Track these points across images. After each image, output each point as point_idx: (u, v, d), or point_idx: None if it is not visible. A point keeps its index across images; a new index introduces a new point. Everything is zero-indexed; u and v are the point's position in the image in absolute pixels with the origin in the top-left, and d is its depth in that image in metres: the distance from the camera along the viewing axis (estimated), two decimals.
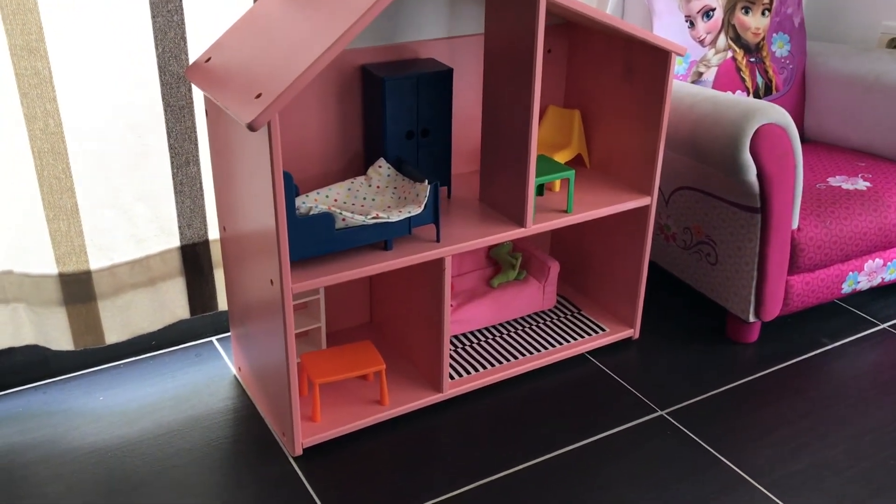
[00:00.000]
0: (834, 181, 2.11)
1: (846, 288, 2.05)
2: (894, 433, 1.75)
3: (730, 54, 2.32)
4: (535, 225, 1.74)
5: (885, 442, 1.72)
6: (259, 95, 1.36)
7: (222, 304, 1.95)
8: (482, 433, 1.74)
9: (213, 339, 2.04)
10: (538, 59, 1.56)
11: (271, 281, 1.51)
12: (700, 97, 1.93)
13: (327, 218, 1.51)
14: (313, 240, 1.51)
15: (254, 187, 1.48)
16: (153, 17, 1.60)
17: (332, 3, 1.47)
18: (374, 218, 1.55)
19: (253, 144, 1.44)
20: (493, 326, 2.04)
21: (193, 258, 1.84)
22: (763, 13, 2.34)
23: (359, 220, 1.54)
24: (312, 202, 1.62)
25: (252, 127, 1.32)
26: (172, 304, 1.86)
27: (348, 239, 1.55)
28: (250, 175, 1.49)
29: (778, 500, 1.56)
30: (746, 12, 2.32)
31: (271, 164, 1.37)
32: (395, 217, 1.57)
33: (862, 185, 2.08)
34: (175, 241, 1.82)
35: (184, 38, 1.65)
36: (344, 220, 1.53)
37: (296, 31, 1.47)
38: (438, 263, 1.66)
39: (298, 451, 1.65)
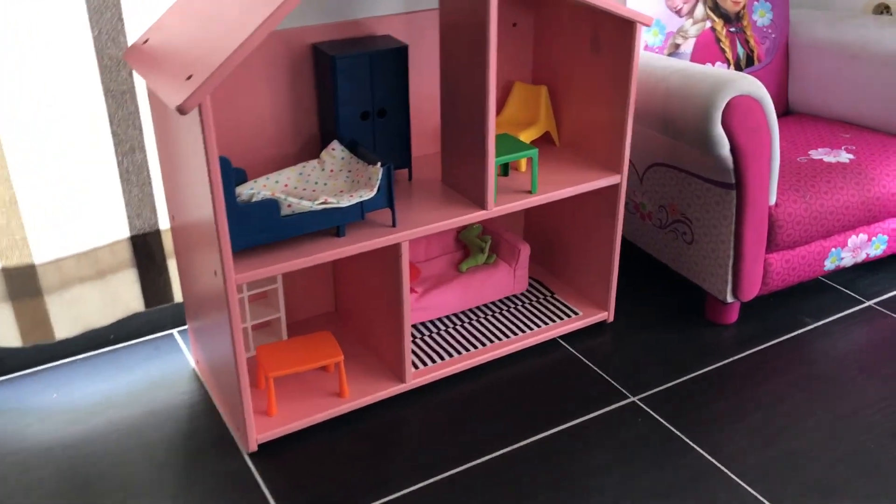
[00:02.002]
0: (815, 154, 2.03)
1: (829, 265, 1.97)
2: (876, 415, 1.68)
3: (708, 24, 2.23)
4: (497, 207, 1.66)
5: (865, 424, 1.65)
6: (190, 77, 1.29)
7: (178, 295, 1.88)
8: (447, 424, 1.67)
9: (174, 331, 1.98)
10: (492, 32, 1.48)
11: (215, 272, 1.45)
12: (671, 70, 1.85)
13: (271, 204, 1.44)
14: (256, 228, 1.44)
15: (193, 174, 1.41)
16: None
17: None
18: (322, 203, 1.48)
19: (188, 129, 1.36)
20: (463, 312, 1.98)
21: (145, 249, 1.77)
22: None
23: (306, 205, 1.47)
24: (260, 188, 1.55)
25: (181, 110, 1.25)
26: (125, 296, 1.80)
27: (295, 226, 1.48)
28: (189, 161, 1.42)
29: (748, 488, 1.49)
30: None
31: (205, 149, 1.30)
32: (346, 202, 1.50)
33: (844, 157, 1.99)
34: (124, 232, 1.75)
35: (121, 19, 1.57)
36: (290, 206, 1.46)
37: (233, 9, 1.39)
38: (394, 249, 1.59)
39: (253, 448, 1.59)
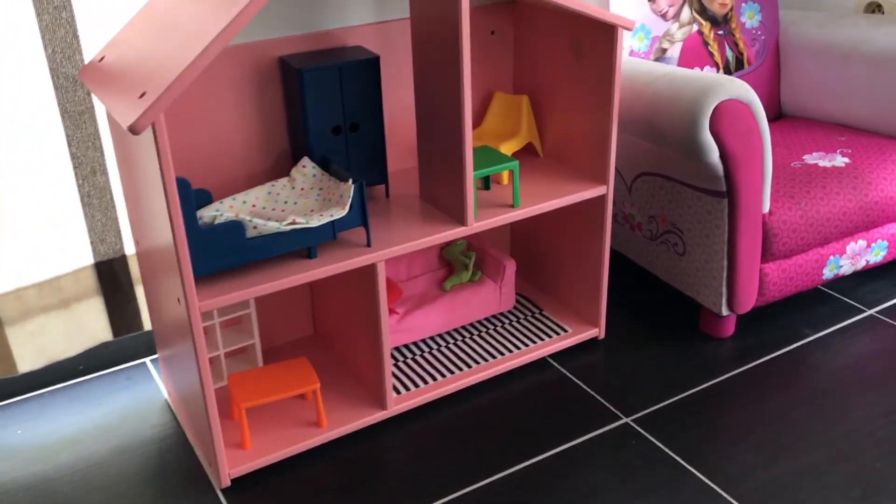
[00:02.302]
0: (810, 159, 1.95)
1: (827, 273, 1.90)
2: (880, 431, 1.60)
3: (695, 28, 2.16)
4: (478, 222, 1.59)
5: (870, 441, 1.57)
6: (143, 95, 1.22)
7: (148, 323, 1.80)
8: (431, 452, 1.59)
9: (147, 360, 1.90)
10: (465, 41, 1.41)
11: (178, 299, 1.37)
12: (656, 75, 1.78)
13: (235, 227, 1.36)
14: (220, 252, 1.36)
15: (152, 196, 1.34)
16: (38, 14, 1.45)
17: None
18: (290, 224, 1.40)
19: (144, 149, 1.29)
20: (447, 333, 1.89)
21: (110, 276, 1.70)
22: None
23: (272, 227, 1.39)
24: (226, 209, 1.47)
25: (133, 130, 1.17)
26: (92, 325, 1.72)
27: (263, 248, 1.40)
28: (148, 183, 1.34)
29: None
30: None
31: (161, 171, 1.23)
32: (316, 222, 1.42)
33: (840, 161, 1.92)
34: (88, 259, 1.67)
35: (76, 37, 1.50)
36: (255, 227, 1.38)
37: (190, 24, 1.32)
38: (370, 270, 1.51)
39: (226, 483, 1.50)
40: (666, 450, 1.57)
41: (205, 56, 1.19)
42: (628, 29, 1.59)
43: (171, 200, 1.25)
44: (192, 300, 1.33)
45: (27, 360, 1.68)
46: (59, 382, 1.82)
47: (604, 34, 1.62)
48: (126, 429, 1.68)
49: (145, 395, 1.78)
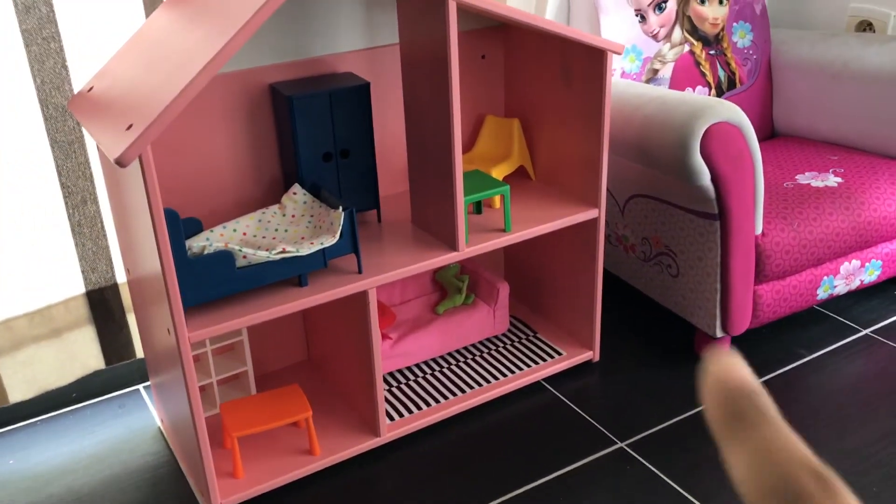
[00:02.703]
0: (803, 178, 1.95)
1: (822, 294, 1.89)
2: (879, 453, 1.59)
3: (687, 48, 2.16)
4: (470, 248, 1.58)
5: (866, 465, 1.56)
6: (130, 127, 1.22)
7: (141, 351, 1.80)
8: (424, 480, 1.58)
9: (140, 387, 1.89)
10: (453, 67, 1.41)
11: (168, 330, 1.37)
12: (647, 98, 1.78)
13: (224, 257, 1.36)
14: (210, 282, 1.36)
15: (141, 227, 1.34)
16: (26, 45, 1.46)
17: (218, 20, 1.32)
18: (280, 253, 1.40)
19: (132, 180, 1.29)
20: (441, 357, 1.89)
21: (102, 304, 1.69)
22: (721, 2, 2.19)
23: (262, 256, 1.39)
24: (217, 238, 1.47)
25: (120, 163, 1.17)
26: (83, 354, 1.72)
27: (253, 278, 1.40)
28: (137, 213, 1.34)
29: None
30: (702, 2, 2.17)
31: (149, 202, 1.23)
32: (306, 250, 1.42)
33: (833, 181, 1.92)
34: (79, 288, 1.67)
35: (65, 67, 1.50)
36: (245, 257, 1.38)
37: (178, 53, 1.32)
38: (361, 297, 1.51)
39: None
40: (661, 475, 1.56)
41: (192, 87, 1.19)
42: (618, 53, 1.59)
43: (159, 232, 1.25)
44: (181, 331, 1.32)
45: (18, 391, 1.67)
46: (51, 411, 1.81)
47: (593, 58, 1.62)
48: (119, 458, 1.67)
49: (138, 423, 1.77)
